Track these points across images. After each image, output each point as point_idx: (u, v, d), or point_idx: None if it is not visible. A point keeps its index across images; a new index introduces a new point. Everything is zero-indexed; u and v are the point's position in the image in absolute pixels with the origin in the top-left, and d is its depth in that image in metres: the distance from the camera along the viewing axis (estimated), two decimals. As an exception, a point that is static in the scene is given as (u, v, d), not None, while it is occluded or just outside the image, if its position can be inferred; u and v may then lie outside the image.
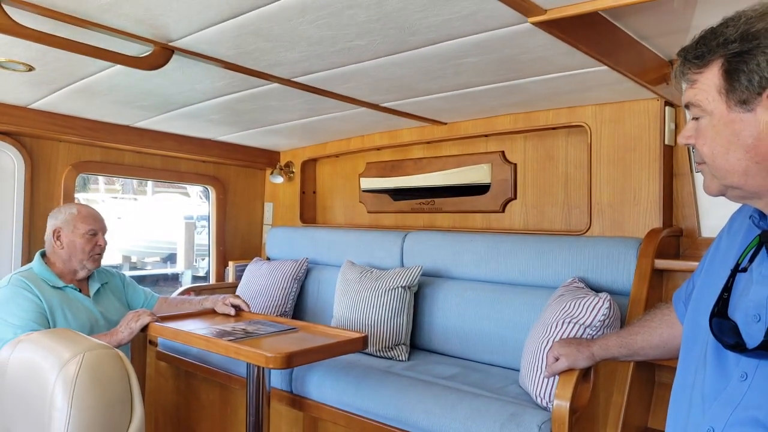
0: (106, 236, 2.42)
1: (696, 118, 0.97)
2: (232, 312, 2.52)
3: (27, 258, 2.74)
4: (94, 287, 2.41)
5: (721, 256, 1.09)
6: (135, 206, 12.85)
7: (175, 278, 10.65)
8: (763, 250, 0.95)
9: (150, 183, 11.82)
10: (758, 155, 0.90)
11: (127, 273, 10.96)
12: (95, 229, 2.36)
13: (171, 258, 11.40)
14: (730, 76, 0.89)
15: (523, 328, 2.32)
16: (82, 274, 2.35)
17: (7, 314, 2.08)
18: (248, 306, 2.56)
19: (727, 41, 0.89)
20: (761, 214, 0.98)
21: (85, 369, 1.37)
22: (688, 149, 2.32)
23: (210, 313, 2.63)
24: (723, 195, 0.99)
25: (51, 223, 2.35)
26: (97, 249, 2.36)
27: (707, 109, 0.94)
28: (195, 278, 9.65)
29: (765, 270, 0.93)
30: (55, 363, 1.40)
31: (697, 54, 0.94)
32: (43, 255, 2.35)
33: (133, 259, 11.96)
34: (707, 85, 0.93)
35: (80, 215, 2.36)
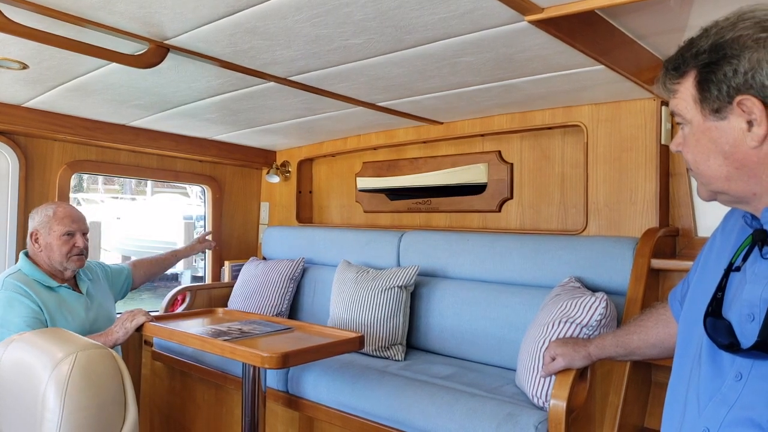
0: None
1: (681, 127, 1.01)
2: (221, 313, 2.57)
3: (21, 257, 2.72)
4: (84, 284, 2.39)
5: (715, 255, 1.09)
6: (135, 206, 12.84)
7: (174, 278, 10.63)
8: (756, 249, 0.95)
9: (149, 183, 11.81)
10: (736, 161, 0.92)
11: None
12: (71, 230, 2.30)
13: (170, 258, 11.36)
14: (702, 86, 0.93)
15: (519, 328, 2.32)
16: (67, 274, 2.32)
17: (3, 320, 2.05)
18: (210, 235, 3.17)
19: (698, 52, 0.93)
20: (753, 216, 0.98)
21: (77, 369, 1.36)
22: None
23: (206, 312, 2.63)
24: (715, 200, 1.02)
25: (30, 225, 2.32)
26: (75, 250, 2.29)
27: (687, 118, 0.97)
28: (194, 278, 9.63)
29: (758, 269, 0.93)
30: (47, 363, 1.39)
31: (675, 65, 0.98)
32: (28, 255, 2.31)
33: (133, 258, 11.93)
34: (685, 95, 0.96)
35: (56, 216, 2.29)
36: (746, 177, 0.93)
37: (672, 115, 1.02)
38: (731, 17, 0.90)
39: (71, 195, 3.04)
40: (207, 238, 3.20)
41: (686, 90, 0.96)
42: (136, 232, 11.26)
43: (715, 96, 0.90)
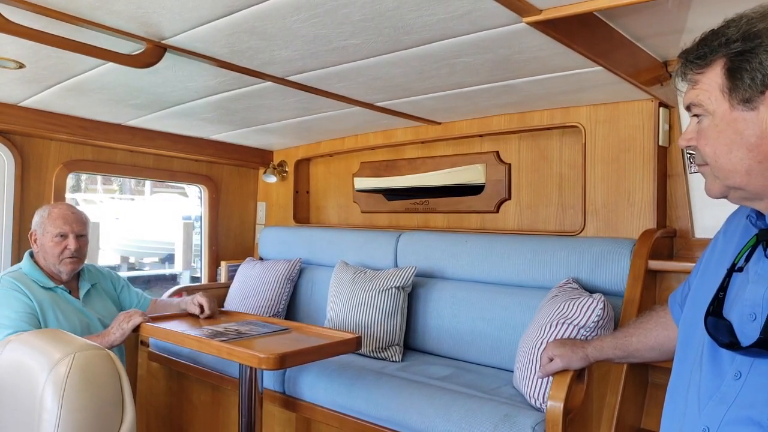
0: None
1: (698, 120, 0.98)
2: (197, 311, 2.47)
3: (17, 258, 2.71)
4: (83, 288, 2.38)
5: (717, 256, 1.09)
6: (134, 206, 12.81)
7: (173, 279, 10.62)
8: (760, 248, 0.95)
9: (148, 183, 11.78)
10: (761, 154, 0.90)
11: (125, 273, 10.95)
12: (64, 231, 2.26)
13: (169, 258, 11.37)
14: (733, 74, 0.90)
15: (517, 329, 2.32)
16: (63, 277, 2.30)
17: None
18: (209, 305, 2.46)
19: (729, 41, 0.90)
20: (758, 214, 0.98)
21: (75, 370, 1.36)
22: (682, 150, 2.33)
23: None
24: (725, 197, 1.00)
25: (32, 225, 2.33)
26: (66, 252, 2.25)
27: (709, 109, 0.94)
28: (193, 278, 9.61)
29: (761, 269, 0.93)
30: (45, 364, 1.38)
31: (698, 54, 0.95)
32: (32, 255, 2.33)
33: (131, 259, 11.93)
34: (709, 85, 0.94)
35: (50, 217, 2.27)
36: (767, 172, 0.91)
37: (688, 108, 0.99)
38: (758, 9, 0.90)
39: (70, 195, 3.03)
40: (198, 300, 2.50)
41: (711, 80, 0.94)
42: (134, 233, 11.23)
43: (748, 85, 0.89)
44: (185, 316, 2.51)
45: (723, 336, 0.92)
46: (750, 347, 0.87)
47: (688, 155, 2.30)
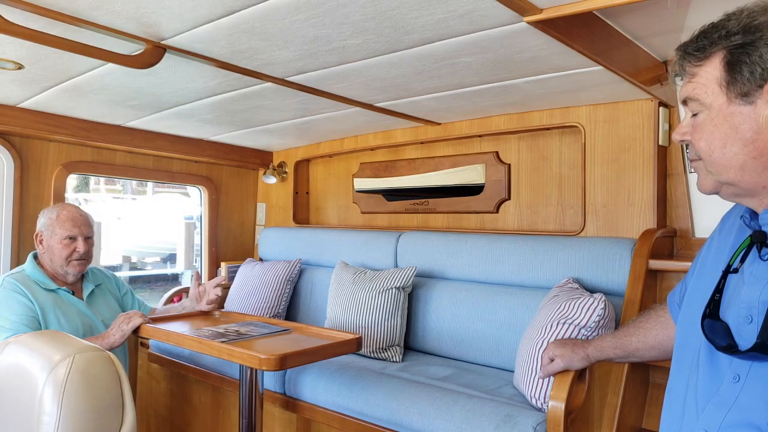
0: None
1: (694, 114, 0.97)
2: (218, 314, 2.48)
3: (16, 259, 2.71)
4: (87, 289, 2.38)
5: (713, 256, 1.09)
6: (136, 206, 12.82)
7: (174, 278, 10.61)
8: (754, 250, 0.94)
9: (150, 183, 11.76)
10: (756, 150, 0.90)
11: (127, 273, 10.93)
12: (73, 234, 2.27)
13: (171, 258, 11.37)
14: (732, 67, 0.89)
15: (517, 329, 2.31)
16: (69, 279, 2.31)
17: None
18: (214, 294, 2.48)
19: (729, 33, 0.90)
20: (752, 214, 0.97)
21: (75, 372, 1.35)
22: (682, 149, 2.33)
23: (202, 314, 2.61)
24: (717, 193, 0.99)
25: (37, 226, 2.33)
26: (75, 255, 2.27)
27: (706, 103, 0.94)
28: (194, 278, 9.57)
29: (756, 270, 0.93)
30: (44, 365, 1.38)
31: (698, 47, 0.94)
32: (36, 257, 2.33)
33: (133, 259, 11.92)
34: (707, 78, 0.93)
35: (59, 219, 2.28)
36: (761, 168, 0.90)
37: (684, 102, 0.98)
38: (759, 3, 0.89)
39: (74, 195, 3.03)
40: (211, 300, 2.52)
41: (709, 73, 0.92)
42: (136, 232, 11.22)
43: (747, 78, 0.88)
44: (185, 316, 2.50)
45: (720, 339, 0.92)
46: (748, 351, 0.87)
47: (690, 150, 2.30)
